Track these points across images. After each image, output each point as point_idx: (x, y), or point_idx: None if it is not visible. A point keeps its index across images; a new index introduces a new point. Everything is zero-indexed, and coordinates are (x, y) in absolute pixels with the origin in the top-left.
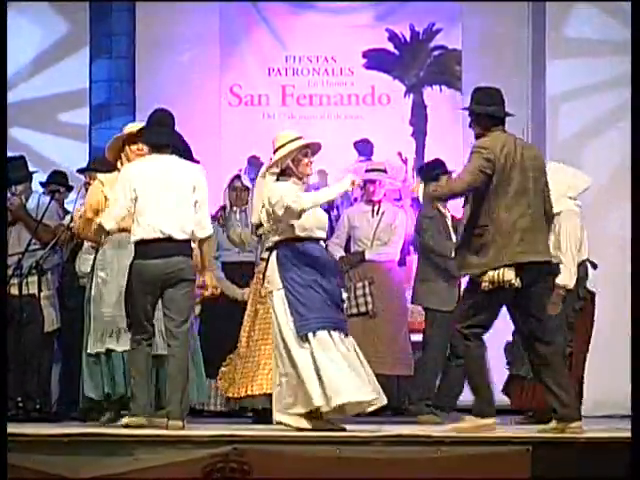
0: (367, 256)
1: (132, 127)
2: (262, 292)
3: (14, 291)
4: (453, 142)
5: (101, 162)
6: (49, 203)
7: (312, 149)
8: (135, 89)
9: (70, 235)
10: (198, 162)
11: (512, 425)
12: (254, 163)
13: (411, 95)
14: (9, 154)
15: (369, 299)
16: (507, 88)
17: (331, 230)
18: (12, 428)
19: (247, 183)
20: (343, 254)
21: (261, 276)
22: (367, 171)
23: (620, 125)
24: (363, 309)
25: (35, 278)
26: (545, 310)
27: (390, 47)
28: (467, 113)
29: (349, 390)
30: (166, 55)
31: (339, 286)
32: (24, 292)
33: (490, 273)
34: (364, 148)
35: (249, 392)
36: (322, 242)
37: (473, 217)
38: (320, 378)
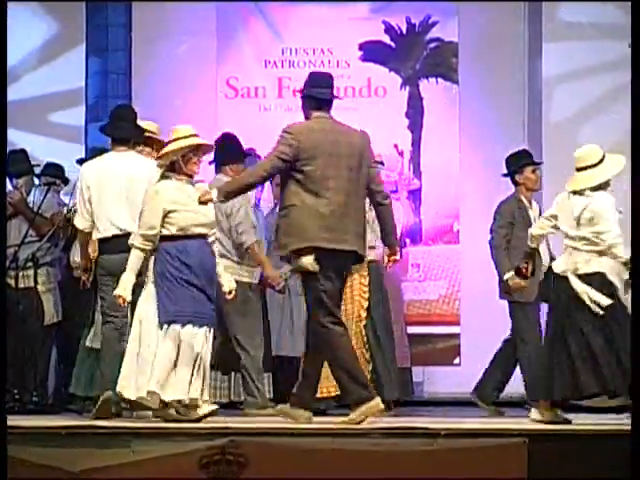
0: None
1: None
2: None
3: (11, 283)
4: (449, 134)
5: (100, 154)
6: (45, 195)
7: (203, 149)
8: (131, 82)
9: (66, 227)
10: (248, 154)
11: (508, 417)
12: (250, 155)
13: (407, 87)
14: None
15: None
16: (504, 77)
17: None
18: (9, 421)
19: None
20: None
21: None
22: None
23: (615, 108)
24: None
25: (31, 271)
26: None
27: (386, 39)
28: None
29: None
30: (162, 47)
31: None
32: (20, 285)
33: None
34: None
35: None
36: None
37: (282, 198)
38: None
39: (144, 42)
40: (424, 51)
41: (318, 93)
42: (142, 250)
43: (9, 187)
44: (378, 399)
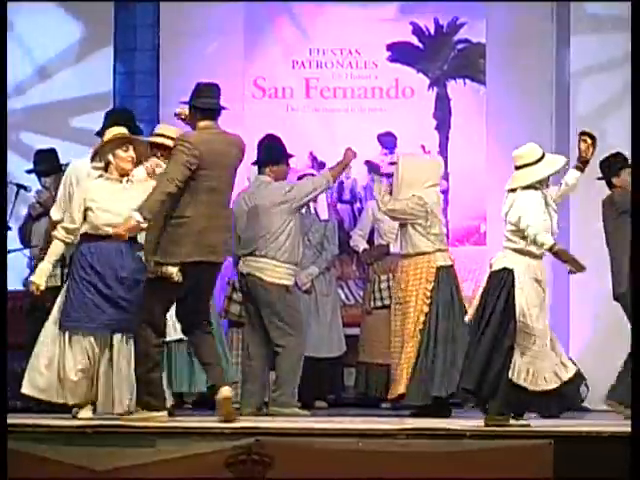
0: (392, 249)
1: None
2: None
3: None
4: (477, 135)
5: None
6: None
7: (135, 146)
8: (159, 81)
9: None
10: (290, 156)
11: (533, 419)
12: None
13: (435, 88)
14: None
15: (393, 292)
16: (531, 78)
17: (355, 222)
18: (35, 419)
19: None
20: (366, 247)
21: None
22: (391, 164)
23: None
24: (387, 302)
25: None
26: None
27: (414, 40)
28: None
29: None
30: (190, 47)
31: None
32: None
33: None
34: (387, 141)
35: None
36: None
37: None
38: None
39: (172, 42)
40: (452, 52)
41: (202, 103)
42: (63, 242)
43: (38, 186)
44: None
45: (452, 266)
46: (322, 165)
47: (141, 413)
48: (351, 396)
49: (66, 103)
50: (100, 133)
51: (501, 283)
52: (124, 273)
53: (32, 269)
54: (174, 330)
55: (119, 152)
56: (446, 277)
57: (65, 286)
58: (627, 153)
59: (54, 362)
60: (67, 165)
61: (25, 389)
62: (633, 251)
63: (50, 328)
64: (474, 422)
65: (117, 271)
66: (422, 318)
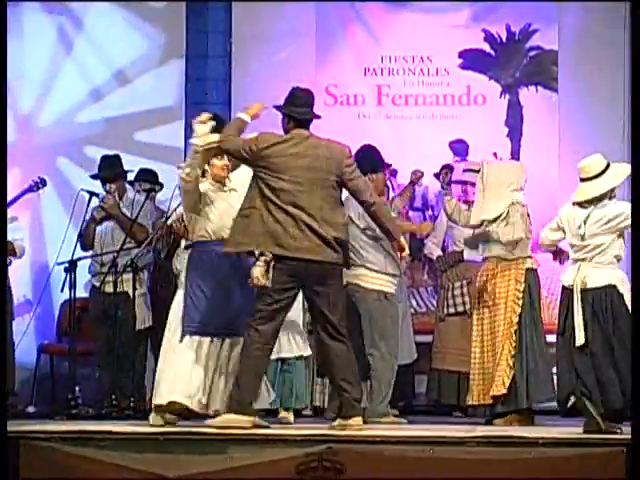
0: (465, 256)
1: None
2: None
3: (109, 289)
4: (549, 143)
5: None
6: (144, 202)
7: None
8: (231, 88)
9: (167, 234)
10: (388, 165)
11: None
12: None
13: (507, 95)
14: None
15: (467, 299)
16: (604, 86)
17: None
18: (108, 426)
19: None
20: (440, 254)
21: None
22: (464, 171)
23: None
24: (460, 309)
25: (130, 276)
26: (336, 308)
27: (486, 47)
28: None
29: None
30: (262, 53)
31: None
32: (119, 290)
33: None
34: (459, 148)
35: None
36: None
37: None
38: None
39: (243, 48)
40: (524, 59)
41: (296, 113)
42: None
43: (102, 192)
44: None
45: (537, 270)
46: (394, 173)
47: (225, 416)
48: (422, 403)
49: (133, 116)
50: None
51: (607, 300)
52: (236, 277)
53: (95, 274)
54: (296, 346)
55: (214, 160)
56: (533, 280)
57: (180, 295)
58: None
59: (190, 369)
60: (130, 171)
61: (162, 399)
62: (633, 251)
63: (171, 339)
64: (544, 429)
65: (228, 275)
66: (515, 319)
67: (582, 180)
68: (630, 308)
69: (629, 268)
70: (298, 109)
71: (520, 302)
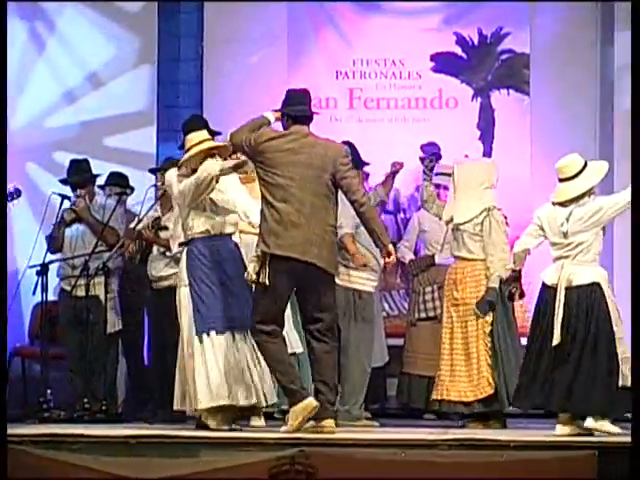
0: (437, 260)
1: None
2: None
3: (80, 293)
4: (520, 146)
5: (174, 164)
6: (115, 206)
7: (220, 152)
8: (203, 91)
9: (136, 238)
10: (367, 164)
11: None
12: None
13: (479, 99)
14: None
15: (437, 303)
16: (575, 88)
17: (399, 233)
18: (80, 429)
19: None
20: (413, 257)
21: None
22: (436, 174)
23: None
24: (432, 314)
25: (102, 279)
26: (324, 309)
27: (458, 51)
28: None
29: (209, 396)
30: (234, 56)
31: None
32: (90, 293)
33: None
34: (431, 151)
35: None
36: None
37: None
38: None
39: (215, 52)
40: (496, 62)
41: (292, 110)
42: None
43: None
44: (308, 400)
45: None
46: (366, 176)
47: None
48: (393, 406)
49: (105, 120)
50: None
51: (592, 297)
52: (238, 270)
53: (64, 278)
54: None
55: (206, 159)
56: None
57: (184, 294)
58: None
59: (222, 367)
60: (98, 175)
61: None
62: (633, 251)
63: (191, 340)
64: (517, 432)
65: (230, 268)
66: (489, 319)
67: (561, 180)
68: (610, 306)
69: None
70: (294, 107)
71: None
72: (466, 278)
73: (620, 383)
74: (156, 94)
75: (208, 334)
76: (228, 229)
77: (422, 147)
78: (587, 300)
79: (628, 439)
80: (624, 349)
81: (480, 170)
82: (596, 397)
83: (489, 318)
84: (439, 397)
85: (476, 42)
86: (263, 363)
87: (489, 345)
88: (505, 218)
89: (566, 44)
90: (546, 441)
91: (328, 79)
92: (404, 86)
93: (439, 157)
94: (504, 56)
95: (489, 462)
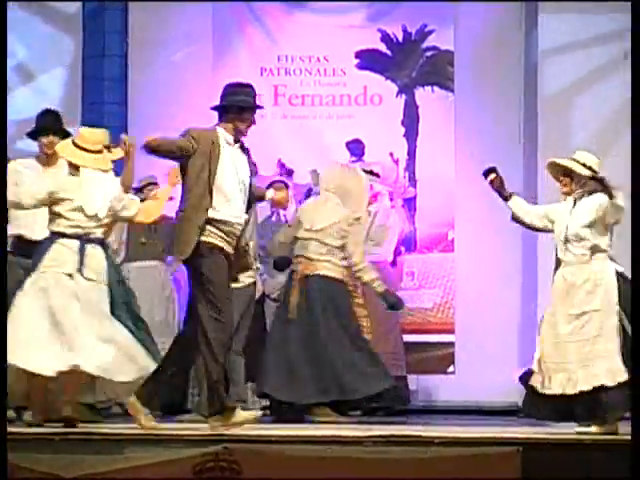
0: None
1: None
2: None
3: None
4: (445, 142)
5: None
6: None
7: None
8: (127, 88)
9: None
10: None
11: (502, 426)
12: None
13: (403, 96)
14: None
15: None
16: (499, 87)
17: None
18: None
19: None
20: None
21: None
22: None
23: (611, 79)
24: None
25: None
26: None
27: (382, 48)
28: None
29: None
30: (159, 53)
31: None
32: None
33: None
34: (356, 148)
35: None
36: None
37: None
38: None
39: (140, 48)
40: (420, 59)
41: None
42: None
43: None
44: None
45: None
46: (290, 172)
47: None
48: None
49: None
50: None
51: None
52: None
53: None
54: None
55: None
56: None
57: None
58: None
59: None
60: None
61: None
62: (633, 251)
63: None
64: (443, 429)
65: None
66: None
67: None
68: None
69: None
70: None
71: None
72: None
73: None
74: (80, 90)
75: None
76: None
77: (347, 144)
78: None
79: (551, 436)
80: None
81: (344, 177)
82: None
83: None
84: None
85: (401, 39)
86: None
87: None
88: (394, 222)
89: (490, 41)
90: (470, 437)
91: (253, 76)
92: (329, 83)
93: (362, 156)
94: (428, 53)
95: (413, 458)
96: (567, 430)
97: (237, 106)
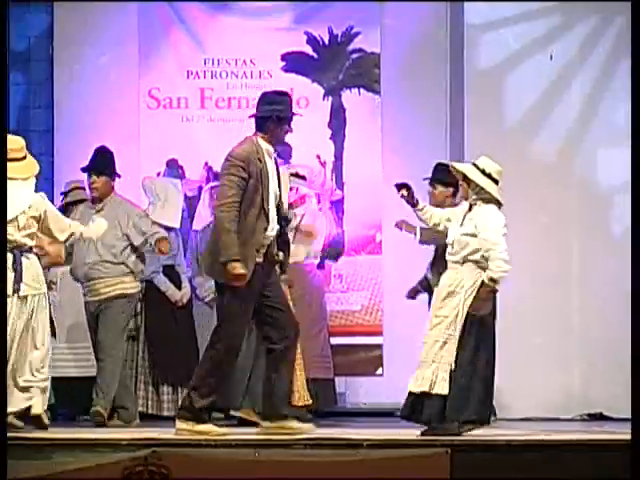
0: None
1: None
2: None
3: None
4: (372, 144)
5: None
6: None
7: None
8: (54, 91)
9: None
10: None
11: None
12: (173, 166)
13: (330, 98)
14: None
15: None
16: (425, 88)
17: None
18: None
19: None
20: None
21: None
22: (291, 175)
23: (541, 56)
24: None
25: None
26: None
27: (309, 50)
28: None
29: None
30: (85, 56)
31: None
32: None
33: None
34: (283, 151)
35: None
36: None
37: None
38: None
39: (66, 52)
40: (346, 62)
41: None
42: None
43: None
44: None
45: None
46: (217, 176)
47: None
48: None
49: None
50: None
51: None
52: None
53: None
54: None
55: None
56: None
57: None
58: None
59: None
60: None
61: None
62: (633, 251)
63: None
64: (372, 431)
65: None
66: None
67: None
68: None
69: None
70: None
71: None
72: None
73: None
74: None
75: None
76: None
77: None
78: None
79: (480, 437)
80: None
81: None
82: None
83: None
84: None
85: (327, 41)
86: None
87: None
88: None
89: (416, 43)
90: (398, 439)
91: (179, 79)
92: (255, 85)
93: (289, 159)
94: (355, 55)
95: (342, 461)
96: (496, 432)
97: (276, 116)
